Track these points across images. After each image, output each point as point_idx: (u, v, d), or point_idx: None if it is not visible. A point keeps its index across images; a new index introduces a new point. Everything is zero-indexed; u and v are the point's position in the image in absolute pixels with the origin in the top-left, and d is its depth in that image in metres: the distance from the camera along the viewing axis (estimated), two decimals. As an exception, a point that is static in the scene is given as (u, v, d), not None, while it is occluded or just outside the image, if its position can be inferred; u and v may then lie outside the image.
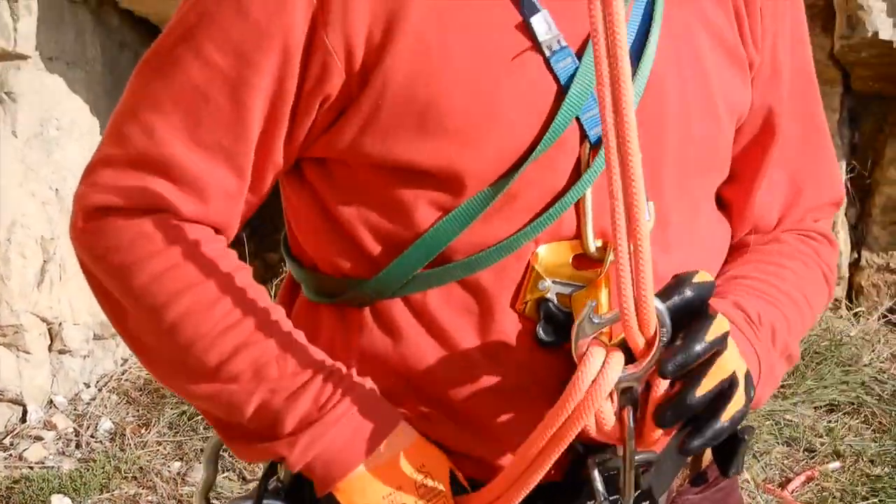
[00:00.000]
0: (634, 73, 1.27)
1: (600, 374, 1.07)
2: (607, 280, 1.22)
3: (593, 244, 1.23)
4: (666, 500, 1.44)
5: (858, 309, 4.52)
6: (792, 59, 1.47)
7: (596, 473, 1.25)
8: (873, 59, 4.61)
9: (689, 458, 1.45)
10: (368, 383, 1.26)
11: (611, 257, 1.24)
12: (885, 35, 4.42)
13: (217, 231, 1.28)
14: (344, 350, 1.28)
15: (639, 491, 1.29)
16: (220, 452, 1.52)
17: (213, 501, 1.51)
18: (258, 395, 1.23)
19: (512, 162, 1.24)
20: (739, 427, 1.36)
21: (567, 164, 1.21)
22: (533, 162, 1.22)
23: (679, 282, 1.17)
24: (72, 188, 3.60)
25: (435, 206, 1.27)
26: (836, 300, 4.49)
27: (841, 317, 4.43)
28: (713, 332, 1.12)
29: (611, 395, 1.11)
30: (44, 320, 3.95)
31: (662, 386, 1.13)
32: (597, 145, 1.22)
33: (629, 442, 1.17)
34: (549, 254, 1.27)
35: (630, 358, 1.12)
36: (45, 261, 4.01)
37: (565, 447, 1.12)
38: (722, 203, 1.51)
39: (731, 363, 1.19)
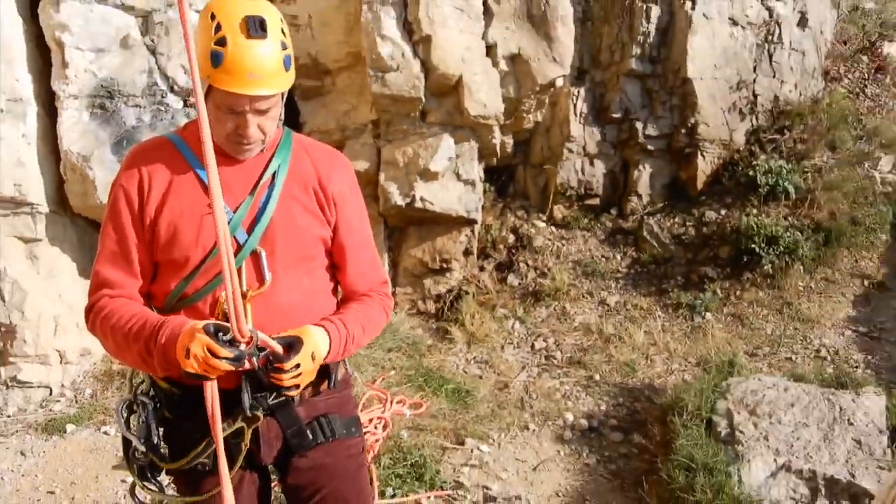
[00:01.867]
0: (259, 220, 1.85)
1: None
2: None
3: (246, 291, 1.81)
4: (299, 399, 1.98)
5: (397, 310, 5.63)
6: (359, 222, 2.07)
7: (245, 384, 1.87)
8: (395, 213, 5.93)
9: (314, 378, 1.91)
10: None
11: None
12: (398, 202, 5.81)
13: (136, 295, 1.92)
14: None
15: (275, 392, 1.90)
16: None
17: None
18: (144, 333, 1.79)
19: (206, 253, 1.84)
20: (332, 365, 2.00)
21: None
22: (214, 257, 1.82)
23: (288, 340, 1.81)
24: (69, 295, 4.89)
25: (178, 275, 1.87)
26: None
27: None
28: (302, 358, 1.76)
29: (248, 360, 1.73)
30: (58, 351, 4.74)
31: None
32: (241, 247, 1.82)
33: (251, 379, 1.80)
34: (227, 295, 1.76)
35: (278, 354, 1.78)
36: (54, 331, 4.73)
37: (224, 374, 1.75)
38: (336, 278, 2.09)
39: (309, 350, 1.79)
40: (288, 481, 2.08)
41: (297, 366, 1.79)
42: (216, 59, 1.74)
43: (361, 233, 2.09)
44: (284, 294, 1.92)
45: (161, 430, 1.95)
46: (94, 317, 1.90)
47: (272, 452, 2.03)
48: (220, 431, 1.78)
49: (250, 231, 1.88)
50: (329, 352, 1.91)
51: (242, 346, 1.74)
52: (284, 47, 1.83)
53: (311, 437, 2.02)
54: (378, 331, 2.09)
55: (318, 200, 1.97)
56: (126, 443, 2.01)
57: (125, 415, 1.99)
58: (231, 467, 1.84)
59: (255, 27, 1.74)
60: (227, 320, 1.77)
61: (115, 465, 3.99)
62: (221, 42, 1.75)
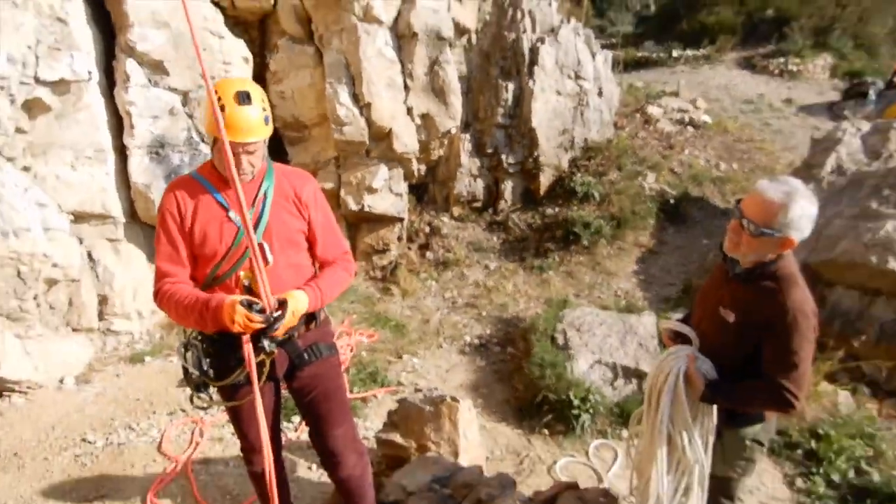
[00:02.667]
0: (259, 223, 1.79)
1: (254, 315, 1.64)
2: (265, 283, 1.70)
3: (262, 270, 1.70)
4: (297, 335, 1.95)
5: (356, 277, 4.81)
6: (324, 216, 1.98)
7: (265, 335, 1.76)
8: (351, 215, 5.93)
9: (304, 320, 1.89)
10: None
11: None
12: (353, 208, 5.80)
13: (187, 279, 1.87)
14: None
15: (286, 335, 1.88)
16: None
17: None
18: (198, 306, 1.76)
19: (228, 247, 1.80)
20: (317, 312, 1.92)
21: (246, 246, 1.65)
22: (236, 247, 1.79)
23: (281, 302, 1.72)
24: (141, 275, 4.70)
25: (211, 263, 1.83)
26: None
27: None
28: (287, 314, 1.69)
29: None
30: (138, 311, 4.80)
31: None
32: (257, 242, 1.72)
33: (269, 326, 1.71)
34: (245, 273, 1.80)
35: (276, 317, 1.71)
36: (133, 297, 4.78)
37: (252, 330, 1.69)
38: (312, 252, 1.98)
39: (295, 305, 1.72)
40: (293, 385, 2.10)
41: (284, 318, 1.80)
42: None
43: (327, 222, 2.02)
44: (282, 270, 1.92)
45: (208, 360, 1.94)
46: (161, 297, 1.89)
47: (282, 369, 2.05)
48: (254, 365, 1.78)
49: (255, 230, 1.87)
50: (309, 303, 1.88)
51: (266, 312, 1.77)
52: (264, 110, 1.80)
53: (307, 357, 2.03)
54: (345, 284, 2.01)
55: (296, 206, 1.95)
56: (185, 370, 2.00)
57: (183, 352, 1.99)
58: (258, 381, 1.81)
59: (244, 98, 1.75)
60: (249, 291, 1.80)
61: (177, 384, 4.08)
62: (222, 108, 1.75)
